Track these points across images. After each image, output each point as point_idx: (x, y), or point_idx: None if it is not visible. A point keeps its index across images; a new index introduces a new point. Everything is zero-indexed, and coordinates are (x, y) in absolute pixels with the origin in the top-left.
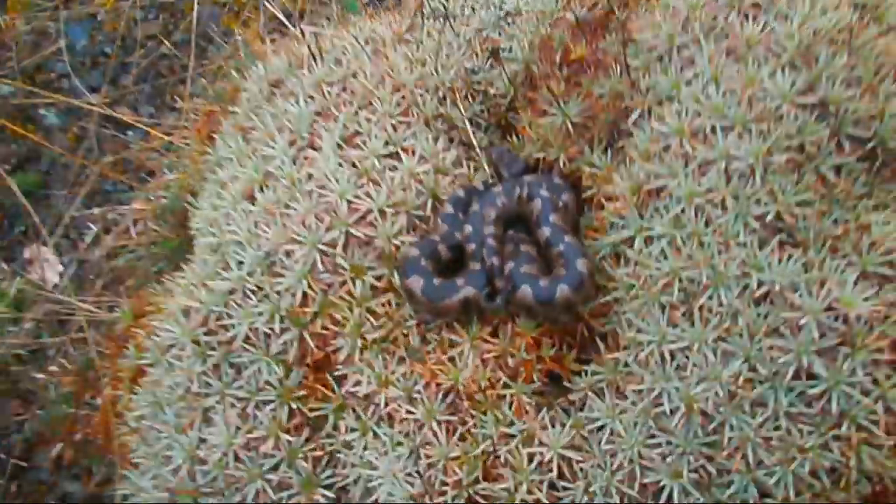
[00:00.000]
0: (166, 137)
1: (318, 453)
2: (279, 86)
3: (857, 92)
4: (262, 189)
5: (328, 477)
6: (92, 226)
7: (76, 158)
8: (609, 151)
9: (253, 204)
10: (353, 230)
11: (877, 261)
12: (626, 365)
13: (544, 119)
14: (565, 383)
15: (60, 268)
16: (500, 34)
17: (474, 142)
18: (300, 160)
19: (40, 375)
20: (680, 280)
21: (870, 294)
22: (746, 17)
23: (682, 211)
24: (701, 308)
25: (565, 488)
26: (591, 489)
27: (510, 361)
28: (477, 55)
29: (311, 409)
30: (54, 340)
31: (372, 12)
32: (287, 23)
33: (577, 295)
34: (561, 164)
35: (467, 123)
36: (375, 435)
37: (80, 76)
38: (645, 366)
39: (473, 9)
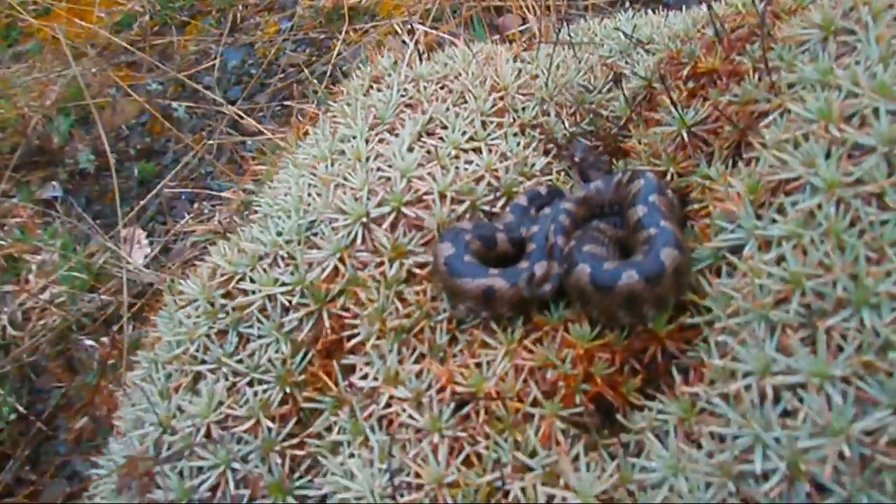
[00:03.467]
0: (275, 139)
1: (299, 452)
2: (379, 82)
3: None
4: (329, 165)
5: (301, 486)
6: (186, 214)
7: (196, 151)
8: (731, 167)
9: (314, 177)
10: (405, 209)
11: None
12: (710, 402)
13: (655, 129)
14: (619, 416)
15: (148, 250)
16: (626, 63)
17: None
18: (374, 141)
19: (90, 343)
20: (803, 292)
21: None
22: None
23: (819, 206)
24: (829, 331)
25: None
26: None
27: (549, 374)
28: (595, 77)
29: (307, 399)
30: (114, 313)
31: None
32: (409, 43)
33: (649, 289)
34: (668, 178)
35: (567, 134)
36: (366, 440)
37: (223, 89)
38: (736, 405)
39: (603, 40)
